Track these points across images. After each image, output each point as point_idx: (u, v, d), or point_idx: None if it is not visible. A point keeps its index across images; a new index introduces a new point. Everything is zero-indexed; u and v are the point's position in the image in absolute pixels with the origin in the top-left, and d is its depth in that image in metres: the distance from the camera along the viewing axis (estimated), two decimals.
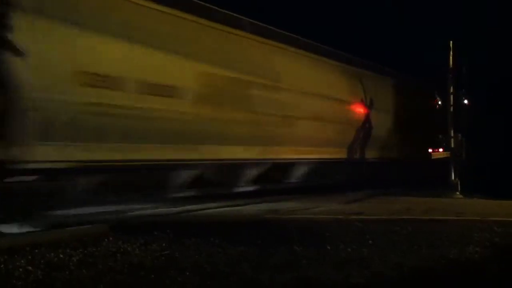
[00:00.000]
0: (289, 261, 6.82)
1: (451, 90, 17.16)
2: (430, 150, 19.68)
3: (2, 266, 6.42)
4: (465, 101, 17.88)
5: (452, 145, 16.98)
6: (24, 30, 8.65)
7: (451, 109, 17.13)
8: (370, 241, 8.14)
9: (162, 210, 11.77)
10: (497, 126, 22.89)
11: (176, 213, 11.47)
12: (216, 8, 12.73)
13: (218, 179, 13.75)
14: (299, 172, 16.21)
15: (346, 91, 17.24)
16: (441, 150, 18.27)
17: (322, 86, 16.04)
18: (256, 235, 8.42)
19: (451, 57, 16.96)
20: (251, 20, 13.86)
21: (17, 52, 8.49)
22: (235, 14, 13.32)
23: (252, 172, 14.54)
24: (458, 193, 16.25)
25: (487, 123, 22.69)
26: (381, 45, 23.10)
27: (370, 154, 18.39)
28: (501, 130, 22.04)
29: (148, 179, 11.47)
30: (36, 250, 7.24)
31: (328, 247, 7.62)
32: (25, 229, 8.73)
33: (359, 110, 17.64)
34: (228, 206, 12.77)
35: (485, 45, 22.53)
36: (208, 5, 12.46)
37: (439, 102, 18.85)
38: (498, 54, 22.02)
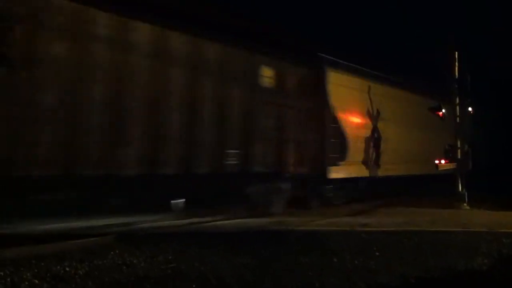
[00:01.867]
0: (294, 272, 6.80)
1: (457, 101, 17.10)
2: (436, 162, 19.59)
3: (8, 279, 6.43)
4: (471, 111, 17.82)
5: (459, 156, 16.91)
6: None
7: (457, 119, 17.07)
8: (377, 253, 8.11)
9: (168, 222, 11.76)
10: (504, 135, 22.82)
11: (181, 225, 11.46)
12: None
13: None
14: None
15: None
16: (447, 161, 18.15)
17: None
18: (261, 247, 8.40)
19: (456, 68, 16.92)
20: None
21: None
22: None
23: None
24: (465, 204, 16.15)
25: (493, 133, 22.63)
26: (390, 52, 23.09)
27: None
28: (508, 139, 21.97)
29: None
30: (42, 263, 7.25)
31: (335, 259, 7.59)
32: None
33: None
34: (234, 218, 12.75)
35: (491, 52, 22.49)
36: None
37: (445, 113, 18.75)
38: (504, 59, 21.98)
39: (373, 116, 18.09)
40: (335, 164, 15.55)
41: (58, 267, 7.07)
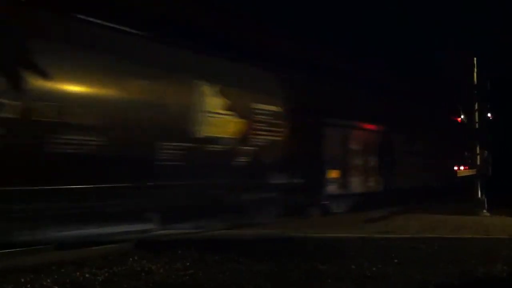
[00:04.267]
0: (313, 279, 6.79)
1: (476, 107, 16.98)
2: (455, 168, 19.46)
3: (28, 285, 6.51)
4: (490, 117, 17.69)
5: (478, 162, 16.76)
6: None
7: (476, 125, 16.94)
8: (395, 260, 8.06)
9: (186, 228, 11.79)
10: None
11: (199, 232, 11.48)
12: None
13: None
14: None
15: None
16: (466, 167, 18.03)
17: None
18: (280, 253, 8.41)
19: (475, 74, 16.81)
20: None
21: None
22: None
23: None
24: (485, 210, 16.00)
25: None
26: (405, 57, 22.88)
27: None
28: None
29: None
30: (62, 270, 7.33)
31: (353, 266, 7.57)
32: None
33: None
34: (251, 223, 12.74)
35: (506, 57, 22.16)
36: None
37: (464, 118, 18.67)
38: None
39: None
40: None
41: (78, 273, 7.13)
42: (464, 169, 17.71)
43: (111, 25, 9.70)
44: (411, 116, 19.24)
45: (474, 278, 6.96)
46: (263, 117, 12.06)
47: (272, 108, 12.31)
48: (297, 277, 6.88)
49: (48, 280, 6.72)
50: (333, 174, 14.92)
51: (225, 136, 11.06)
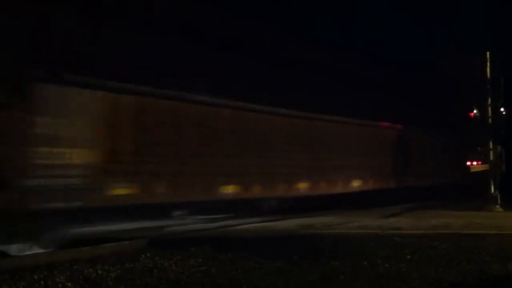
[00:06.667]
0: (326, 277, 6.76)
1: (489, 102, 16.84)
2: (468, 163, 19.33)
3: (42, 282, 6.54)
4: (504, 113, 17.51)
5: (492, 157, 16.64)
6: None
7: (490, 120, 16.81)
8: (408, 257, 8.01)
9: (199, 226, 11.83)
10: None
11: (212, 229, 11.51)
12: None
13: None
14: None
15: None
16: (480, 162, 17.87)
17: None
18: (292, 251, 8.38)
19: (488, 69, 16.67)
20: None
21: None
22: None
23: None
24: (498, 206, 15.89)
25: None
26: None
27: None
28: None
29: None
30: (75, 266, 7.35)
31: (365, 263, 7.53)
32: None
33: None
34: (264, 221, 12.76)
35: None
36: None
37: (477, 114, 18.48)
38: None
39: None
40: None
41: (91, 270, 7.16)
42: (478, 164, 17.55)
43: None
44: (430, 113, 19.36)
45: (489, 275, 6.89)
46: None
47: None
48: (309, 275, 6.85)
49: (62, 277, 6.75)
50: None
51: None
